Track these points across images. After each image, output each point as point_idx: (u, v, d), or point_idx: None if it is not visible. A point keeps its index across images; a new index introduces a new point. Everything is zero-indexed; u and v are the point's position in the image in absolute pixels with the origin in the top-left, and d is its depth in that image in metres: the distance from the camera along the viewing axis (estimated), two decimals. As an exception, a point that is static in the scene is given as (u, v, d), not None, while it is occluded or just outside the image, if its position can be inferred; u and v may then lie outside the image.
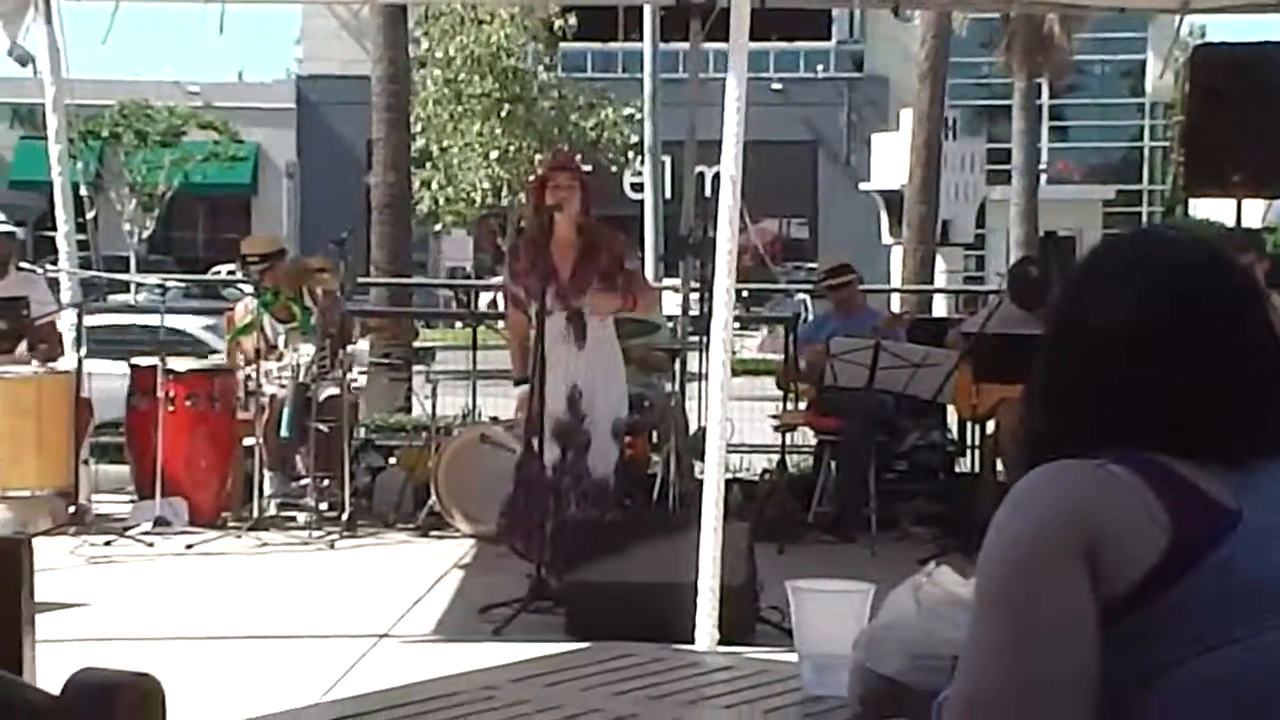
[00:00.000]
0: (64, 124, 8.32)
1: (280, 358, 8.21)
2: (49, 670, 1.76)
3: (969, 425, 8.52)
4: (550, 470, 6.43)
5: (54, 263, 8.44)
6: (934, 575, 2.03)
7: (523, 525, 6.47)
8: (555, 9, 27.41)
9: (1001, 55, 28.27)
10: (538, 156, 30.93)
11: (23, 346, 8.07)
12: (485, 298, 21.64)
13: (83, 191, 8.57)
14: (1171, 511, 1.53)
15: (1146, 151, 39.61)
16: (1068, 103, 38.77)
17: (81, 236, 8.47)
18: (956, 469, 8.88)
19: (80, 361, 8.00)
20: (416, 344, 10.87)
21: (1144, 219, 38.82)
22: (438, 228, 33.46)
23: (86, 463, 8.12)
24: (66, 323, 8.20)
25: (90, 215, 8.55)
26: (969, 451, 8.58)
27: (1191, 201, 24.44)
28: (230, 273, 30.16)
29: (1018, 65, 27.28)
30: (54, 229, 8.28)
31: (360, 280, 11.71)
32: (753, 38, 5.31)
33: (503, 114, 30.78)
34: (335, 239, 8.42)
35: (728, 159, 5.28)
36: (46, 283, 8.41)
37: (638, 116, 29.07)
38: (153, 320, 8.73)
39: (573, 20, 30.06)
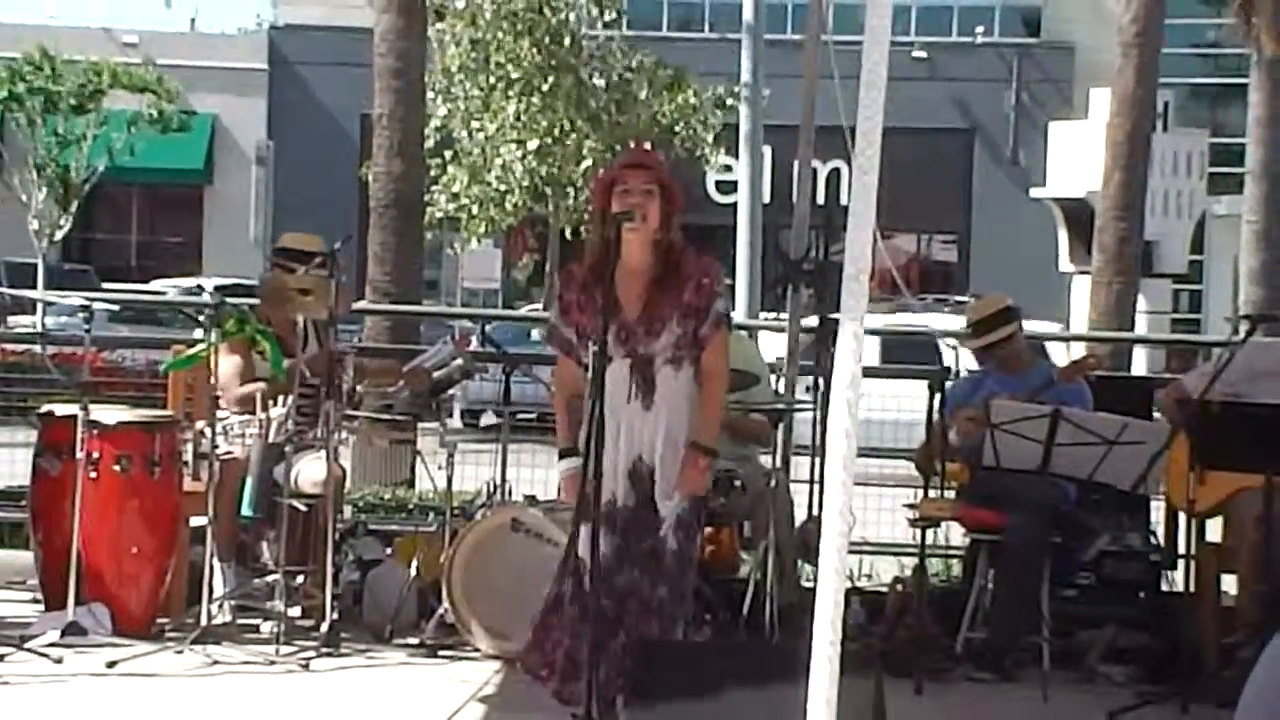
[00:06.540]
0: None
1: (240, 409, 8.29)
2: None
3: (1183, 526, 8.46)
4: (604, 572, 6.44)
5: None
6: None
7: (558, 647, 6.45)
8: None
9: (1234, 15, 28.13)
10: (589, 144, 31.16)
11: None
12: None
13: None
14: None
15: None
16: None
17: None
18: (1164, 586, 8.82)
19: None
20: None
21: None
22: (458, 238, 33.68)
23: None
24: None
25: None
26: (1182, 562, 8.52)
27: None
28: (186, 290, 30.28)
29: (1260, 28, 27.07)
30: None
31: (355, 307, 11.81)
32: (891, -13, 5.28)
33: (545, 87, 30.98)
34: (322, 250, 8.50)
35: (863, 154, 5.27)
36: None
37: (730, 101, 29.19)
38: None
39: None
